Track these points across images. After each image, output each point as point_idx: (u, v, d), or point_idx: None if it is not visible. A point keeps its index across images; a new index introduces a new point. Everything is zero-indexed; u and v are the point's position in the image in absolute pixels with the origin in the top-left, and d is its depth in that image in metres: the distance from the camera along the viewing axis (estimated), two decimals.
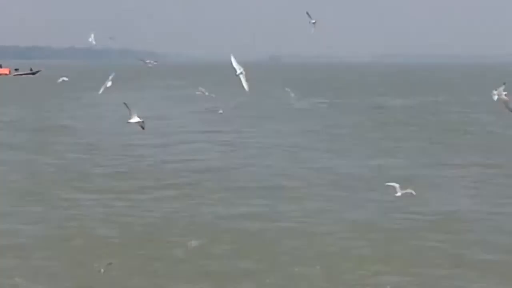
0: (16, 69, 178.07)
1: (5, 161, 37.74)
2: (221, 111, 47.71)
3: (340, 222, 24.76)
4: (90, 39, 23.98)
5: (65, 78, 32.29)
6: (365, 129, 52.91)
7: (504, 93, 17.38)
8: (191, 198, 28.55)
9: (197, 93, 30.41)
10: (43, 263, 20.28)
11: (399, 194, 20.39)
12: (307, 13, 21.04)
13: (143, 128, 18.12)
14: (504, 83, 17.76)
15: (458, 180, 32.62)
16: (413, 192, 21.15)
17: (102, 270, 18.09)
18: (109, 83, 19.31)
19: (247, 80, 17.84)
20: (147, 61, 32.97)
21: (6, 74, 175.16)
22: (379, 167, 35.17)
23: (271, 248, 21.80)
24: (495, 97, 17.97)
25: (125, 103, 17.61)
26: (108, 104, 65.35)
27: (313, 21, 21.01)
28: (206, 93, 29.40)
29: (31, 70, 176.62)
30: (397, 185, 20.47)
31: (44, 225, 24.57)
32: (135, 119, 17.37)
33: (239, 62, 17.31)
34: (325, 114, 67.29)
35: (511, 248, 22.09)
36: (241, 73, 17.81)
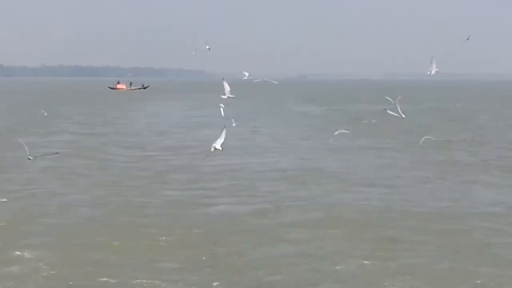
0: (130, 84, 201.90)
1: None
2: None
3: None
4: (206, 46, 25.85)
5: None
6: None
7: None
8: None
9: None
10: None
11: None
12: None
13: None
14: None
15: None
16: None
17: None
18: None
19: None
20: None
21: (123, 89, 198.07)
22: None
23: None
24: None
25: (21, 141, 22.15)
26: None
27: (208, 47, 25.22)
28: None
29: (142, 85, 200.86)
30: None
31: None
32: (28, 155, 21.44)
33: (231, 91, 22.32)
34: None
35: None
36: (229, 97, 22.66)
